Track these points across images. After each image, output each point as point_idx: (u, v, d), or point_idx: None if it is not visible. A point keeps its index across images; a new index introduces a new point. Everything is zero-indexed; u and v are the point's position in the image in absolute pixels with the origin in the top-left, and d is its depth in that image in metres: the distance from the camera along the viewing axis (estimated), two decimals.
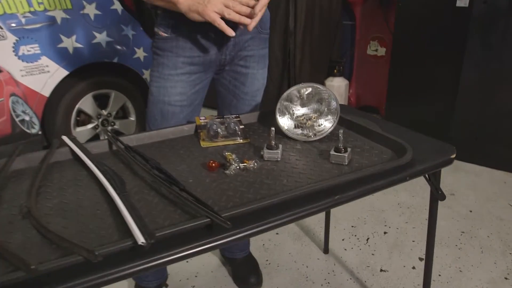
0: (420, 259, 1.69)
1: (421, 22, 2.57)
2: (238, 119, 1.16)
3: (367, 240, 1.82)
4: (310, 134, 1.09)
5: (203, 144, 1.06)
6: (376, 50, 3.20)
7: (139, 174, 0.91)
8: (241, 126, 1.12)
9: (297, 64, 3.05)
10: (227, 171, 0.91)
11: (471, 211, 2.02)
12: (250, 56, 1.26)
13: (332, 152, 0.95)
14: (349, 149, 0.96)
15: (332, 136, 1.10)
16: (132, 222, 0.68)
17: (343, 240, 1.82)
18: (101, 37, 2.37)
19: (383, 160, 0.96)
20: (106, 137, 1.04)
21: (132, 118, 2.61)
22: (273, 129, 0.97)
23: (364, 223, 1.94)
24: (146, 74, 2.55)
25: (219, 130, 1.09)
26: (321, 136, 1.08)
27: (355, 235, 1.85)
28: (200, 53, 1.19)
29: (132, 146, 0.99)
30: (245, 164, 0.93)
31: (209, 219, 0.70)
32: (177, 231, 0.68)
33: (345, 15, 3.22)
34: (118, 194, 0.77)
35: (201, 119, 1.16)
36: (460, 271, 1.63)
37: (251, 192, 0.83)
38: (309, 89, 1.11)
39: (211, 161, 0.93)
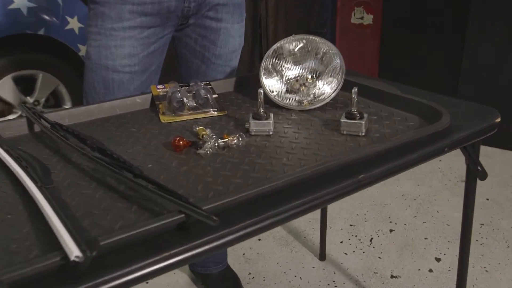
0: (437, 259, 1.59)
1: None
2: (210, 86, 0.99)
3: (370, 240, 1.71)
4: (306, 101, 0.94)
5: (164, 119, 0.89)
6: (362, 18, 3.11)
7: (73, 161, 0.72)
8: (214, 95, 0.95)
9: (269, 35, 2.92)
10: (200, 151, 0.74)
11: (488, 199, 1.96)
12: (223, 4, 1.10)
13: (344, 120, 0.80)
14: (365, 115, 0.81)
15: (335, 103, 0.95)
16: (60, 227, 0.50)
17: (341, 242, 1.70)
18: (20, 2, 2.12)
19: (410, 128, 0.83)
20: (24, 115, 0.85)
21: (68, 106, 2.38)
22: (262, 90, 0.81)
23: (365, 221, 1.83)
24: (83, 50, 2.33)
25: (184, 99, 0.91)
26: (321, 104, 0.93)
27: (356, 236, 1.74)
28: None
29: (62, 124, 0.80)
30: (226, 140, 0.77)
31: (182, 215, 0.52)
32: (134, 237, 0.51)
33: None
34: (40, 188, 0.59)
35: (158, 88, 0.98)
36: (486, 271, 1.54)
37: (239, 176, 0.67)
38: (303, 42, 0.96)
39: (177, 138, 0.76)
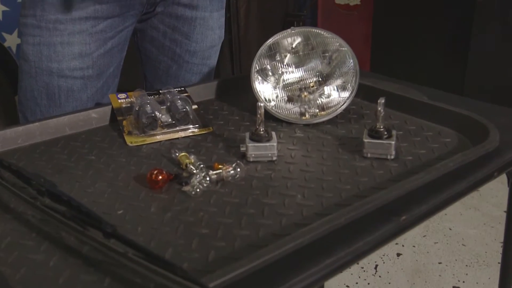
0: None
1: None
2: (186, 94, 0.91)
3: (375, 268, 1.68)
4: (312, 111, 0.87)
5: (131, 141, 0.80)
6: None
7: (11, 208, 0.62)
8: (193, 106, 0.87)
9: (241, 20, 2.85)
10: (187, 188, 0.65)
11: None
12: None
13: (368, 140, 0.73)
14: (394, 132, 0.74)
15: (346, 113, 0.89)
16: None
17: (341, 272, 1.65)
18: None
19: (448, 145, 0.77)
20: None
21: None
22: (262, 104, 0.73)
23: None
24: (10, 41, 2.18)
25: (157, 113, 0.82)
26: (331, 116, 0.86)
27: (358, 263, 1.69)
28: None
29: None
30: (219, 171, 0.68)
31: None
32: None
33: None
34: None
35: (120, 98, 0.88)
36: None
37: (245, 225, 0.58)
38: (305, 37, 0.89)
39: (155, 172, 0.67)
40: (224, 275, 0.46)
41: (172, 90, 0.90)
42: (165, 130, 0.82)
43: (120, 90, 1.02)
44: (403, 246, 1.77)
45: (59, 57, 0.94)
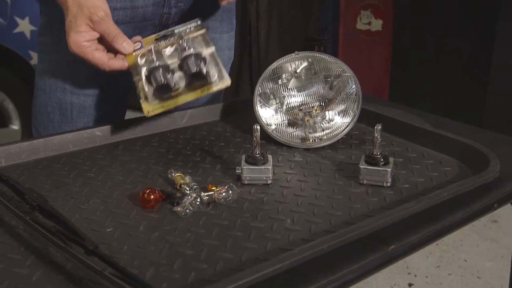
0: None
1: None
2: (201, 31, 0.85)
3: None
4: (313, 135, 0.87)
5: (148, 110, 0.79)
6: (369, 23, 3.08)
7: (5, 222, 0.63)
8: (209, 50, 0.83)
9: (261, 43, 2.89)
10: (178, 208, 0.66)
11: None
12: (210, 10, 1.03)
13: (364, 166, 0.73)
14: (391, 160, 0.74)
15: (348, 138, 0.88)
16: None
17: None
18: None
19: (448, 174, 0.75)
20: None
21: (15, 126, 2.32)
22: (258, 127, 0.73)
23: (378, 273, 1.75)
24: (36, 58, 2.24)
25: (168, 78, 0.80)
26: (332, 141, 0.86)
27: None
28: (125, 3, 0.95)
29: None
30: (211, 193, 0.68)
31: None
32: None
33: None
34: None
35: (135, 50, 0.85)
36: None
37: (230, 248, 0.58)
38: (308, 62, 0.89)
39: (147, 191, 0.67)
40: None
41: (186, 28, 0.86)
42: (182, 91, 0.80)
43: (131, 107, 1.04)
44: (415, 276, 1.73)
45: (73, 75, 0.96)
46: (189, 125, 0.95)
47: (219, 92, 1.13)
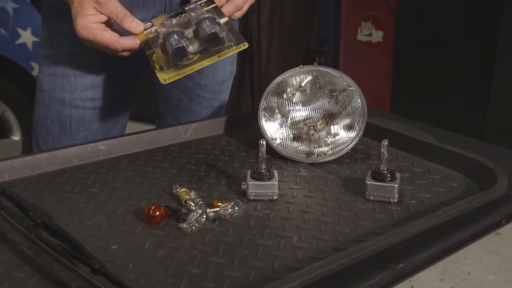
0: None
1: None
2: (213, 5, 0.84)
3: None
4: (318, 150, 0.86)
5: (164, 78, 0.77)
6: (370, 35, 3.09)
7: (10, 239, 0.63)
8: (222, 20, 0.81)
9: (262, 55, 2.88)
10: (183, 225, 0.65)
11: None
12: None
13: (370, 182, 0.72)
14: (398, 175, 0.73)
15: (353, 153, 0.87)
16: None
17: None
18: None
19: (455, 190, 0.75)
20: None
21: (16, 137, 2.31)
22: (264, 143, 0.73)
23: None
24: (38, 69, 2.25)
25: (183, 42, 0.78)
26: (337, 155, 0.85)
27: None
28: None
29: None
30: (217, 209, 0.67)
31: None
32: None
33: None
34: None
35: (145, 29, 0.83)
36: None
37: (237, 266, 0.57)
38: (313, 75, 0.89)
39: (152, 207, 0.66)
40: None
41: (197, 4, 0.85)
42: (197, 58, 0.78)
43: (134, 118, 1.03)
44: None
45: (72, 88, 0.96)
46: (193, 139, 0.94)
47: (222, 105, 1.13)
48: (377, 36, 3.08)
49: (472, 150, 0.83)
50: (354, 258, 0.54)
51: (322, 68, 0.89)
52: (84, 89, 0.96)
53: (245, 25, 2.83)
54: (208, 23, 0.79)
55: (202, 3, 0.86)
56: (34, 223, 0.60)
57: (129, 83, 1.03)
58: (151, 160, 0.86)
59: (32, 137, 1.05)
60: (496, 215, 0.69)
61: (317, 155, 0.86)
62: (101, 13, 0.80)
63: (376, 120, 0.93)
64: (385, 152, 0.72)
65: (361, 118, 0.86)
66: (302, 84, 0.90)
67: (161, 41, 0.79)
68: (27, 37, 2.23)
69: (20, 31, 2.22)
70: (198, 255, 0.59)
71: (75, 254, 0.53)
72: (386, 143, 0.72)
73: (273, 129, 0.88)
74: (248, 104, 2.90)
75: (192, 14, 0.84)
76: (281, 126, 0.89)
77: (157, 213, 0.66)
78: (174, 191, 0.73)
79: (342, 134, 0.88)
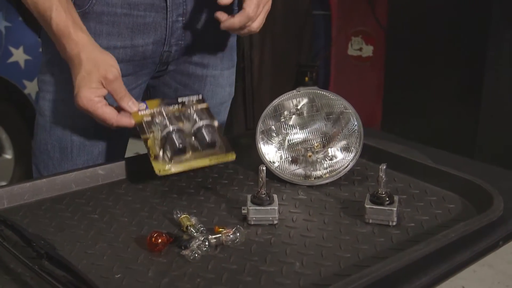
0: None
1: (426, 10, 2.52)
2: (204, 105, 0.92)
3: None
4: (316, 173, 0.87)
5: (159, 169, 0.81)
6: (360, 49, 3.13)
7: (11, 269, 0.62)
8: (215, 122, 0.88)
9: (254, 71, 2.90)
10: (186, 252, 0.65)
11: None
12: (210, 47, 1.04)
13: (369, 206, 0.73)
14: (396, 198, 0.74)
15: (350, 175, 0.89)
16: None
17: None
18: None
19: (452, 212, 0.76)
20: None
21: (8, 156, 2.30)
22: (264, 168, 0.74)
23: None
24: (30, 88, 2.24)
25: (185, 143, 0.84)
26: (334, 178, 0.86)
27: None
28: (126, 41, 0.96)
29: None
30: (218, 235, 0.68)
31: None
32: None
33: (316, 3, 3.14)
34: None
35: (140, 110, 0.88)
36: None
37: None
38: (309, 98, 0.90)
39: (155, 235, 0.67)
40: None
41: (190, 100, 0.91)
42: (191, 156, 0.83)
43: (134, 135, 1.04)
44: None
45: (74, 113, 0.96)
46: None
47: (220, 126, 1.14)
48: (368, 50, 3.12)
49: (466, 170, 0.84)
50: (359, 285, 0.55)
51: (318, 91, 0.91)
52: (85, 114, 0.97)
53: (238, 42, 2.85)
54: (208, 130, 0.86)
55: (194, 100, 0.92)
56: (37, 254, 0.60)
57: None
58: (150, 184, 0.87)
59: (32, 161, 1.05)
60: (494, 237, 0.70)
61: (315, 178, 0.87)
62: (104, 88, 0.83)
63: (372, 141, 0.94)
64: (383, 176, 0.73)
65: (357, 140, 0.87)
66: (299, 107, 0.91)
67: (164, 134, 0.84)
68: (19, 55, 2.23)
69: (12, 49, 2.22)
70: (201, 283, 0.60)
71: (80, 286, 0.53)
72: (384, 167, 0.73)
73: (271, 152, 0.89)
74: (241, 118, 2.91)
75: (184, 109, 0.89)
76: (278, 148, 0.90)
77: (159, 240, 0.66)
78: (175, 216, 0.74)
79: (339, 156, 0.89)
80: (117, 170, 0.89)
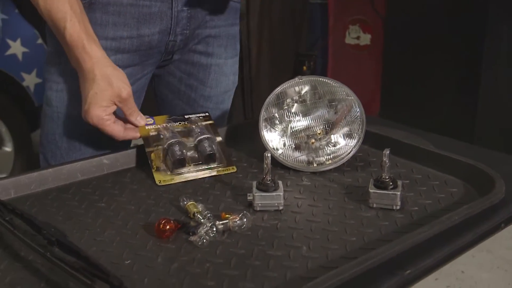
0: None
1: None
2: (210, 121, 0.96)
3: None
4: (319, 159, 0.88)
5: (159, 179, 0.84)
6: (358, 38, 3.13)
7: (22, 257, 0.63)
8: (218, 138, 0.92)
9: (252, 60, 2.90)
10: (193, 238, 0.66)
11: None
12: (214, 36, 1.06)
13: (373, 190, 0.74)
14: (399, 183, 0.75)
15: (353, 161, 0.89)
16: None
17: None
18: None
19: (454, 195, 0.77)
20: None
21: (8, 148, 2.31)
22: (269, 155, 0.74)
23: None
24: (28, 80, 2.24)
25: (185, 153, 0.87)
26: (337, 164, 0.87)
27: None
28: (132, 31, 0.96)
29: (5, 200, 0.72)
30: (225, 221, 0.69)
31: None
32: None
33: None
34: None
35: (147, 124, 0.92)
36: None
37: (250, 278, 0.59)
38: (312, 86, 0.91)
39: (163, 221, 0.68)
40: None
41: (196, 117, 0.95)
42: (192, 169, 0.86)
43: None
44: None
45: (81, 103, 0.97)
46: None
47: (223, 114, 1.15)
48: (365, 39, 3.12)
49: (468, 155, 0.85)
50: (365, 267, 0.56)
51: (320, 78, 0.91)
52: None
53: None
54: (209, 142, 0.89)
55: (201, 116, 0.96)
56: (48, 241, 0.61)
57: (136, 96, 1.03)
58: None
59: (39, 151, 1.05)
60: (495, 220, 0.72)
61: (318, 164, 0.88)
62: (115, 105, 0.86)
63: (374, 128, 0.95)
64: (387, 161, 0.74)
65: (360, 127, 0.88)
66: (301, 94, 0.92)
67: (165, 146, 0.87)
68: (17, 48, 2.23)
69: (10, 42, 2.21)
70: (211, 268, 0.61)
71: (93, 271, 0.54)
72: (388, 152, 0.74)
73: (274, 139, 0.90)
74: (239, 107, 2.92)
75: (190, 125, 0.93)
76: (281, 136, 0.90)
77: (168, 227, 0.67)
78: (181, 204, 0.75)
79: (342, 143, 0.90)
80: (122, 159, 0.90)
